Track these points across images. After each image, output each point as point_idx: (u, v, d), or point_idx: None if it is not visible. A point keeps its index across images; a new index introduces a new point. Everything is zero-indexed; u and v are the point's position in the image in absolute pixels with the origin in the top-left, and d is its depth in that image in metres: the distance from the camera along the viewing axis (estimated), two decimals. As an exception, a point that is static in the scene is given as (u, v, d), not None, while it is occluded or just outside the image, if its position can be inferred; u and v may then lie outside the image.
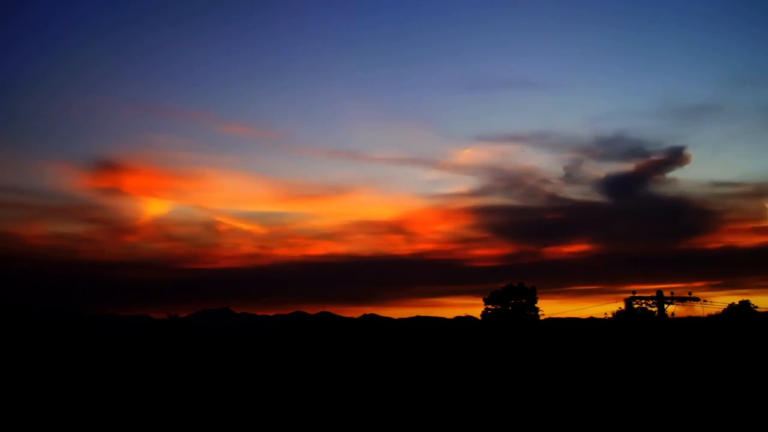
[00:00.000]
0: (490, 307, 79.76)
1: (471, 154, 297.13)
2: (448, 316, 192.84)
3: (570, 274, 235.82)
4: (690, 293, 49.04)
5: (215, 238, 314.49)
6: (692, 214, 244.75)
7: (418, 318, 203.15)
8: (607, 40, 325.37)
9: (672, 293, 48.88)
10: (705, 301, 49.23)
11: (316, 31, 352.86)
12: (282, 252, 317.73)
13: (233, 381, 47.57)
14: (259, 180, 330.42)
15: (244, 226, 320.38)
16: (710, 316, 72.64)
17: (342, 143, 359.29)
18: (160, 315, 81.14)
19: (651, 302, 48.32)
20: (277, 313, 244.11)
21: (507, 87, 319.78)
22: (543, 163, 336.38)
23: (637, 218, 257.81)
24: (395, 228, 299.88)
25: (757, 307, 76.25)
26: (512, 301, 78.68)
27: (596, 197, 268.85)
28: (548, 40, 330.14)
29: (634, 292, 54.09)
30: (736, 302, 77.54)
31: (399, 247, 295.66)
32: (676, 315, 48.79)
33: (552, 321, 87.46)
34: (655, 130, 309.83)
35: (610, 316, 72.62)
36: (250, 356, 66.44)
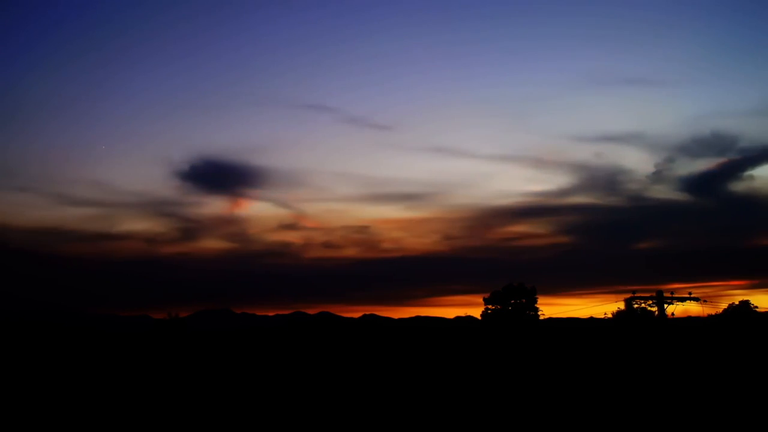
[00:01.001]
0: (490, 307, 79.77)
1: (566, 152, 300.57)
2: (448, 316, 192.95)
3: (630, 272, 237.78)
4: (690, 293, 48.99)
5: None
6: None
7: (418, 318, 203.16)
8: (708, 39, 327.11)
9: (672, 293, 48.84)
10: (705, 301, 49.20)
11: (419, 28, 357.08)
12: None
13: (233, 381, 47.54)
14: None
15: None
16: (710, 317, 72.65)
17: (440, 140, 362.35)
18: (160, 315, 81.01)
19: (650, 302, 48.27)
20: (277, 313, 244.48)
21: (606, 85, 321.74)
22: (635, 162, 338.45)
23: (719, 216, 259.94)
24: (479, 223, 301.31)
25: (757, 307, 76.21)
26: (512, 301, 78.65)
27: (681, 196, 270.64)
28: (649, 39, 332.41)
29: (634, 292, 54.05)
30: (736, 302, 77.51)
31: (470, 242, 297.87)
32: (676, 315, 48.76)
33: (552, 321, 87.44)
34: (753, 130, 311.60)
35: (610, 316, 72.55)
36: (251, 356, 66.41)
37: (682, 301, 46.97)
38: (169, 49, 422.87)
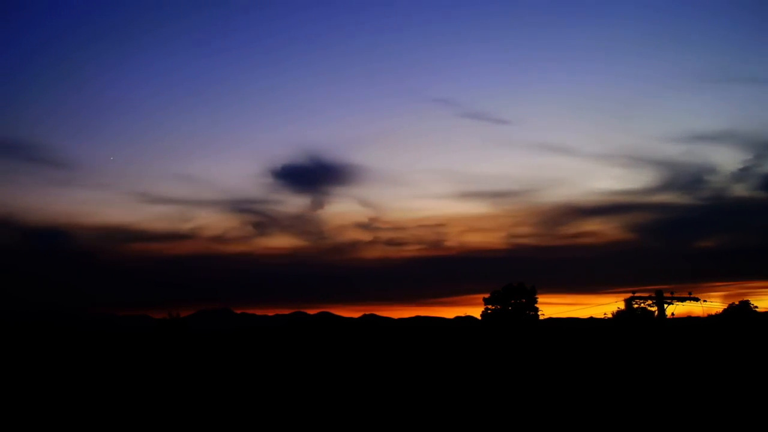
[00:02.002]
0: (490, 307, 79.83)
1: (657, 151, 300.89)
2: (448, 316, 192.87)
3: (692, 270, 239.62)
4: (690, 293, 48.87)
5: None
6: None
7: (418, 318, 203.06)
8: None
9: (672, 293, 48.74)
10: (705, 301, 49.09)
11: (540, 28, 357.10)
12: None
13: (234, 381, 47.58)
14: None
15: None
16: (710, 316, 72.63)
17: (548, 136, 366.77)
18: (160, 315, 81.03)
19: (650, 302, 48.23)
20: (277, 313, 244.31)
21: (701, 82, 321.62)
22: (723, 161, 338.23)
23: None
24: (553, 221, 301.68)
25: (757, 307, 76.19)
26: (512, 301, 78.70)
27: (763, 195, 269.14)
28: (742, 38, 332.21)
29: (634, 292, 53.94)
30: (736, 302, 77.50)
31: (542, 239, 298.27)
32: (676, 315, 48.68)
33: (552, 321, 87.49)
34: None
35: (609, 316, 72.53)
36: (251, 356, 66.44)
37: (681, 301, 46.89)
38: (273, 43, 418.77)
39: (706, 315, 63.67)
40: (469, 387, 42.36)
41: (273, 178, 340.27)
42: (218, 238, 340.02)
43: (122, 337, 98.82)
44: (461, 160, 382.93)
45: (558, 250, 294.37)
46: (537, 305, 78.79)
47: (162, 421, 33.39)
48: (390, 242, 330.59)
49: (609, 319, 72.38)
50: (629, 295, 49.26)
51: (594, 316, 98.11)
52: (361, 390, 42.12)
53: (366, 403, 37.36)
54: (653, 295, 46.46)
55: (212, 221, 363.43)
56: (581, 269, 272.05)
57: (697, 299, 46.81)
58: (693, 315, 63.44)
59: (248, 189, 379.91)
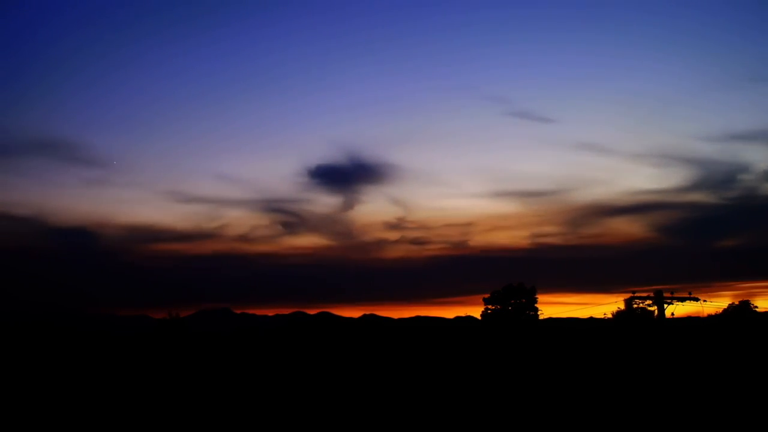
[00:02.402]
0: (490, 307, 79.87)
1: (692, 150, 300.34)
2: (448, 316, 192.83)
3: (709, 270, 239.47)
4: (690, 293, 48.81)
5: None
6: None
7: (418, 318, 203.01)
8: None
9: (672, 293, 48.70)
10: (705, 300, 49.04)
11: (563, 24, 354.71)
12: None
13: (234, 381, 47.54)
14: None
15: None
16: (710, 316, 72.57)
17: (589, 135, 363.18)
18: (160, 314, 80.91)
19: (649, 302, 48.19)
20: (277, 313, 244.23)
21: (738, 81, 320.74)
22: (758, 160, 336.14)
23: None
24: (580, 220, 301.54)
25: (757, 307, 76.09)
26: (512, 301, 78.72)
27: None
28: None
29: (633, 291, 53.89)
30: (736, 302, 77.41)
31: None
32: (676, 315, 48.63)
33: (552, 321, 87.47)
34: None
35: (609, 316, 72.51)
36: (251, 356, 66.40)
37: (681, 301, 46.87)
38: (313, 39, 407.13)
39: (706, 315, 63.66)
40: (468, 387, 42.32)
41: (308, 177, 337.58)
42: (243, 237, 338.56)
43: (121, 337, 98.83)
44: (501, 158, 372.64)
45: (579, 249, 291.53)
46: (537, 305, 78.93)
47: (162, 420, 33.37)
48: (414, 241, 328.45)
49: (609, 319, 72.40)
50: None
51: (594, 316, 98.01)
52: (361, 390, 42.09)
53: (366, 402, 37.32)
54: (652, 294, 46.42)
55: (240, 220, 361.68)
56: (599, 268, 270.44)
57: (697, 299, 46.78)
58: (693, 315, 63.43)
59: (282, 188, 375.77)
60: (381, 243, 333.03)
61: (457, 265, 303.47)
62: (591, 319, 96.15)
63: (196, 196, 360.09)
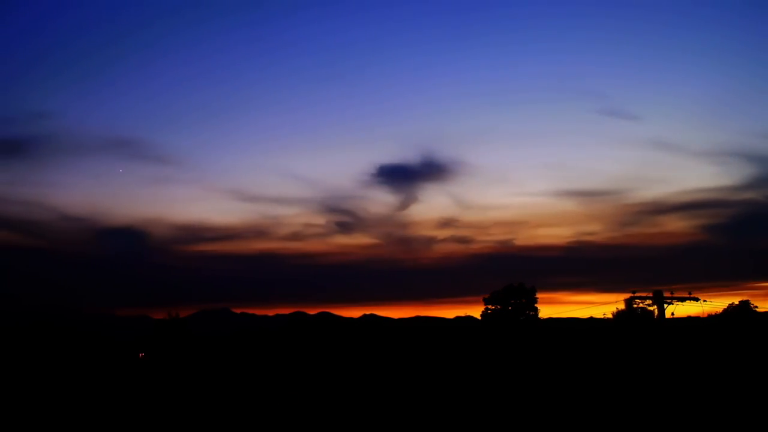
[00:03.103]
0: (490, 307, 79.90)
1: (754, 148, 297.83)
2: (448, 316, 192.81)
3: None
4: (690, 293, 48.79)
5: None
6: None
7: (418, 318, 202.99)
8: None
9: (672, 293, 48.67)
10: (705, 300, 49.00)
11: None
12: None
13: (234, 381, 47.54)
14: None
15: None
16: (710, 316, 72.52)
17: (662, 134, 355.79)
18: (160, 315, 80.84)
19: (649, 302, 48.18)
20: (277, 313, 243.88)
21: None
22: None
23: None
24: (632, 219, 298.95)
25: (757, 307, 76.01)
26: (512, 301, 78.74)
27: None
28: None
29: (634, 291, 53.84)
30: (736, 302, 77.32)
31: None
32: (676, 315, 48.60)
33: (552, 321, 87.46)
34: None
35: (609, 316, 72.50)
36: (251, 356, 66.40)
37: (681, 301, 46.86)
38: (388, 36, 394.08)
39: (706, 315, 63.64)
40: (468, 386, 42.32)
41: (373, 176, 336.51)
42: (295, 236, 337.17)
43: (119, 338, 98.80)
44: (574, 156, 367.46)
45: (618, 248, 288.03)
46: (537, 305, 78.98)
47: (162, 421, 33.37)
48: (461, 240, 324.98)
49: (608, 319, 72.40)
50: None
51: (594, 316, 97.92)
52: (362, 390, 42.08)
53: (366, 402, 37.32)
54: (652, 294, 46.42)
55: (295, 219, 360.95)
56: (637, 266, 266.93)
57: (697, 299, 46.76)
58: (693, 315, 63.39)
59: (344, 186, 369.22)
60: (429, 242, 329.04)
61: (493, 264, 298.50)
62: (591, 319, 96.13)
63: (255, 195, 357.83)
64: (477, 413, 33.74)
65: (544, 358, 57.22)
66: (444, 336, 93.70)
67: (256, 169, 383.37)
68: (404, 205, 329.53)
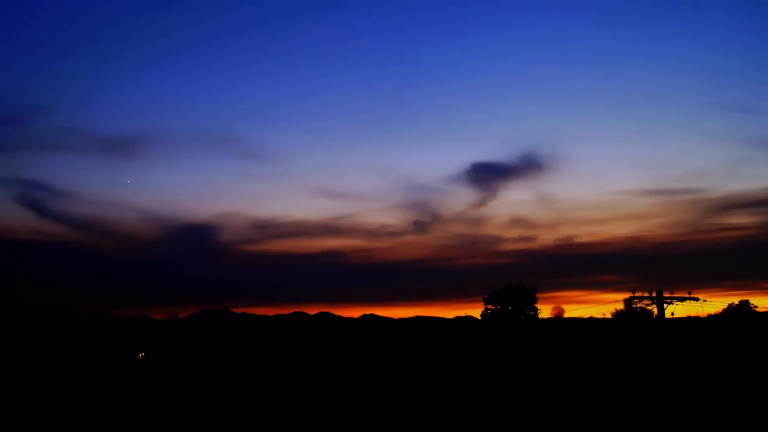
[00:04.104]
0: (490, 307, 79.86)
1: None
2: (448, 316, 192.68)
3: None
4: (690, 292, 48.77)
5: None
6: None
7: (417, 318, 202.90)
8: None
9: (672, 292, 48.65)
10: (704, 300, 48.98)
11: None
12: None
13: (234, 381, 47.50)
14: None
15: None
16: (710, 316, 72.44)
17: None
18: (159, 315, 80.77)
19: (649, 302, 48.15)
20: (276, 313, 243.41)
21: None
22: None
23: None
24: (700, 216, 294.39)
25: (756, 306, 75.90)
26: (512, 301, 78.74)
27: None
28: None
29: (633, 291, 53.80)
30: (736, 302, 77.23)
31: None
32: (676, 315, 48.58)
33: (551, 321, 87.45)
34: None
35: (609, 316, 72.47)
36: (251, 356, 66.34)
37: (681, 301, 46.85)
38: (484, 33, 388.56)
39: (705, 315, 63.58)
40: (468, 386, 42.28)
41: (463, 173, 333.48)
42: (370, 233, 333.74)
43: (123, 336, 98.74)
44: (678, 153, 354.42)
45: (678, 245, 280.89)
46: (537, 305, 78.99)
47: (162, 421, 33.33)
48: (525, 238, 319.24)
49: (608, 319, 72.36)
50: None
51: (594, 316, 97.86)
52: (362, 389, 42.04)
53: (367, 402, 37.29)
54: (652, 294, 46.40)
55: (374, 217, 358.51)
56: (699, 263, 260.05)
57: (696, 299, 46.76)
58: (693, 315, 63.35)
59: (431, 185, 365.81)
60: (496, 241, 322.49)
61: (548, 261, 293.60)
62: (591, 319, 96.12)
63: (340, 192, 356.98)
64: (477, 413, 33.72)
65: (544, 358, 57.17)
66: (444, 336, 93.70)
67: (343, 165, 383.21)
68: (481, 203, 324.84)
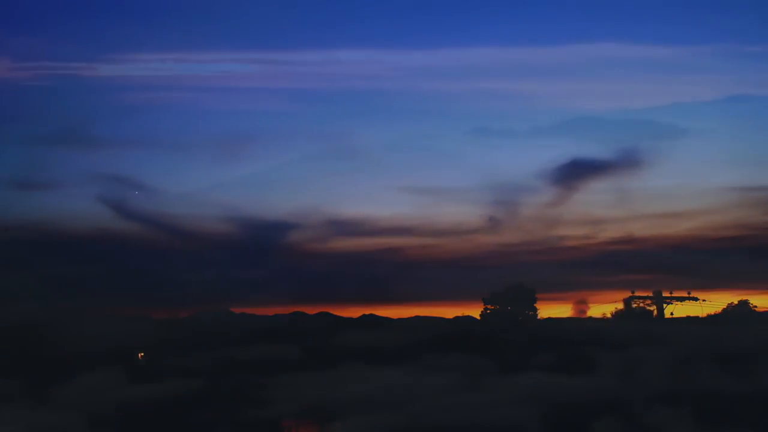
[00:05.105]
0: (489, 307, 79.78)
1: None
2: (448, 316, 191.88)
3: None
4: (689, 293, 48.84)
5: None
6: None
7: (417, 318, 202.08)
8: None
9: (671, 293, 48.73)
10: (703, 300, 49.07)
11: None
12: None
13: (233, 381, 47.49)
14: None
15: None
16: (709, 316, 72.45)
17: None
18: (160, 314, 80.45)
19: (649, 302, 48.26)
20: (276, 313, 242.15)
21: None
22: None
23: None
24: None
25: (756, 306, 75.93)
26: (512, 301, 78.68)
27: None
28: None
29: (633, 291, 53.89)
30: (735, 302, 77.25)
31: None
32: (675, 315, 48.68)
33: (551, 321, 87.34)
34: None
35: (609, 316, 72.42)
36: (251, 356, 66.23)
37: (680, 301, 46.95)
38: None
39: (705, 315, 63.61)
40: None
41: (556, 169, 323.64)
42: (437, 232, 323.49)
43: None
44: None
45: (733, 239, 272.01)
46: (536, 305, 78.89)
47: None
48: (584, 236, 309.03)
49: (608, 319, 72.30)
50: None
51: (593, 316, 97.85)
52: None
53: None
54: (652, 294, 46.49)
55: (450, 216, 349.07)
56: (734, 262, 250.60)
57: (696, 299, 46.87)
58: (692, 315, 63.36)
59: (518, 182, 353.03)
60: (561, 238, 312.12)
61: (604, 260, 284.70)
62: (590, 319, 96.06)
63: (422, 187, 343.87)
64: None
65: (544, 357, 57.15)
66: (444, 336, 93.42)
67: (433, 160, 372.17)
68: (557, 202, 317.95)
